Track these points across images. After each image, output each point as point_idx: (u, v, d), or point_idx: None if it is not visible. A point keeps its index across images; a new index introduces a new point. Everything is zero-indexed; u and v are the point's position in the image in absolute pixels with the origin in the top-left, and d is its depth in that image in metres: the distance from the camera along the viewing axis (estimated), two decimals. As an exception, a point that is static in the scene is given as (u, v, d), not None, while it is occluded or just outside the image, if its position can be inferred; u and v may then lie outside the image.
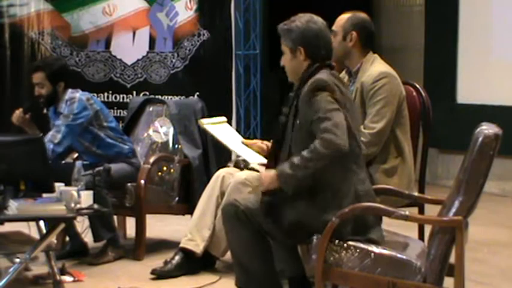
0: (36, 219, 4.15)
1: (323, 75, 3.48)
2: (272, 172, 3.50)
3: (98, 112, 5.14)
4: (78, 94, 5.11)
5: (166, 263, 4.66)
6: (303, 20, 3.56)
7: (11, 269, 4.13)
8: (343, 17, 4.34)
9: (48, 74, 5.05)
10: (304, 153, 3.36)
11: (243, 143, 4.27)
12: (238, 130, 8.22)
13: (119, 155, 5.16)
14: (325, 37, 3.59)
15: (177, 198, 5.35)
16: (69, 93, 5.11)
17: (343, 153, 3.32)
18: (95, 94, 5.50)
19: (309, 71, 3.52)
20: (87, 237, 5.02)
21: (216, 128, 4.28)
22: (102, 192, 4.70)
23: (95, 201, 4.28)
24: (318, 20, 3.58)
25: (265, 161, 3.87)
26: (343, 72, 4.46)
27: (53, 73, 5.06)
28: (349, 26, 4.30)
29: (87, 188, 4.29)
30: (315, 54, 3.55)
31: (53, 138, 4.97)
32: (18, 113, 5.15)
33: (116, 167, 4.96)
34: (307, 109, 3.41)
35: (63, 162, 5.07)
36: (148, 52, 7.73)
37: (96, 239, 4.93)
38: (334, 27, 4.31)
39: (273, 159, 3.61)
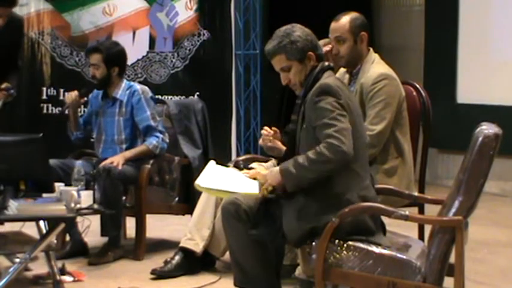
0: (36, 219, 4.15)
1: (328, 79, 3.47)
2: (275, 169, 3.49)
3: None
4: (144, 86, 5.29)
5: (166, 262, 4.66)
6: (295, 29, 3.55)
7: (11, 269, 4.12)
8: (343, 22, 4.25)
9: (104, 57, 5.13)
10: (310, 154, 3.33)
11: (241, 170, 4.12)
12: (238, 130, 8.24)
13: (137, 160, 5.17)
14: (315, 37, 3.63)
15: (177, 198, 5.36)
16: (131, 83, 5.26)
17: (348, 159, 3.30)
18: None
19: (313, 74, 3.50)
20: (87, 237, 5.02)
21: (211, 181, 3.66)
22: (119, 191, 4.77)
23: (110, 199, 4.31)
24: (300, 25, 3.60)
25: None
26: (343, 72, 4.45)
27: (110, 56, 5.15)
28: (356, 27, 4.26)
29: (87, 188, 4.31)
30: (320, 55, 3.57)
31: (166, 138, 5.16)
32: (73, 94, 5.21)
33: (130, 167, 5.02)
34: (312, 114, 3.39)
35: (63, 162, 5.07)
36: (148, 52, 7.73)
37: (103, 233, 4.99)
38: (338, 34, 4.25)
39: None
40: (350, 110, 3.42)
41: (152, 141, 5.11)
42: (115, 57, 5.19)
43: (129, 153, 5.07)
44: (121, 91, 5.19)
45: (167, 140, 5.17)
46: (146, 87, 5.30)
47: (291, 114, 3.60)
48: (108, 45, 5.35)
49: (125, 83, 5.24)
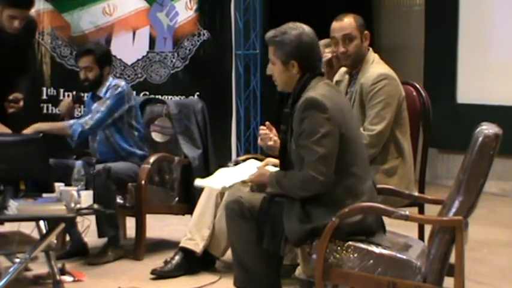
0: (36, 219, 4.15)
1: (315, 91, 3.42)
2: (267, 174, 3.58)
3: (132, 108, 5.27)
4: (124, 83, 5.27)
5: (166, 262, 4.66)
6: (295, 32, 3.47)
7: (11, 269, 4.12)
8: (349, 20, 4.26)
9: (97, 58, 5.17)
10: (292, 176, 3.42)
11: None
12: (238, 130, 8.23)
13: (131, 155, 5.19)
14: (319, 49, 3.56)
15: (177, 198, 5.35)
16: (114, 79, 5.30)
17: (327, 186, 3.34)
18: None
19: (301, 82, 3.48)
20: (87, 237, 5.02)
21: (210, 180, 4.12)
22: (112, 191, 4.76)
23: (103, 199, 4.29)
24: (310, 31, 3.51)
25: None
26: (343, 72, 4.45)
27: (101, 57, 5.20)
28: (361, 26, 4.27)
29: (87, 188, 4.30)
30: (308, 67, 3.50)
31: (85, 123, 5.10)
32: (66, 102, 5.35)
33: (124, 165, 5.04)
34: (297, 130, 3.40)
35: (63, 162, 5.07)
36: (148, 52, 7.74)
37: (100, 235, 4.95)
38: (348, 32, 4.23)
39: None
40: (340, 120, 3.38)
41: (71, 121, 5.16)
42: (106, 56, 5.27)
43: (45, 126, 5.07)
44: (104, 89, 5.22)
45: (86, 127, 5.09)
46: (122, 82, 5.28)
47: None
48: (98, 46, 5.42)
49: (109, 81, 5.26)
